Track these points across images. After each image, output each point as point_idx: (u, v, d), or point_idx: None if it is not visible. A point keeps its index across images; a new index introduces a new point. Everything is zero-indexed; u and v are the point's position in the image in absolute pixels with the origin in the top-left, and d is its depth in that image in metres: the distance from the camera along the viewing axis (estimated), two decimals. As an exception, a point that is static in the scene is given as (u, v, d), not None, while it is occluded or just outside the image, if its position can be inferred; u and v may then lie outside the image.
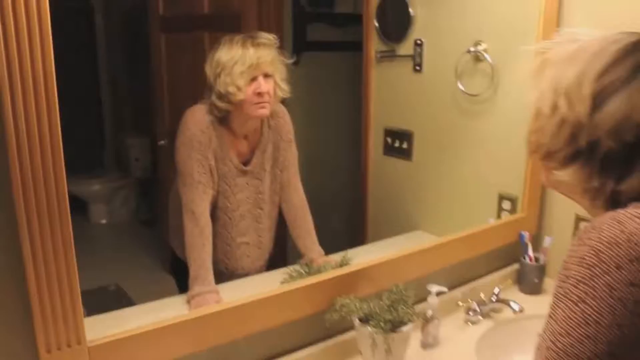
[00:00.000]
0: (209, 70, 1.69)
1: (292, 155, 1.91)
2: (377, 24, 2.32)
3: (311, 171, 3.36)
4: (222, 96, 1.68)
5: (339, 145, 3.43)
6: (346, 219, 3.41)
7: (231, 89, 1.65)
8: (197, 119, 1.70)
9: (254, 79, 1.66)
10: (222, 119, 1.74)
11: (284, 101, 2.88)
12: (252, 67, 1.64)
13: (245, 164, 1.82)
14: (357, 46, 2.50)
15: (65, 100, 1.04)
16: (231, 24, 2.77)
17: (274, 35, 1.70)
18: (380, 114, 2.40)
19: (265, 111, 1.70)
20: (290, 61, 1.77)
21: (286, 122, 1.88)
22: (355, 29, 2.65)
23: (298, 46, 3.15)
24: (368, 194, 2.48)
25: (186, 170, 1.70)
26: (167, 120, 3.38)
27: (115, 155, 5.32)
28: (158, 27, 3.31)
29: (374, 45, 2.34)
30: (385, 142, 2.39)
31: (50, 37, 0.99)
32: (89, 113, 5.15)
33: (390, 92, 2.37)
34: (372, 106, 2.41)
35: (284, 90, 1.76)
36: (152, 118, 3.61)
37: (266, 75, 1.68)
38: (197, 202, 1.70)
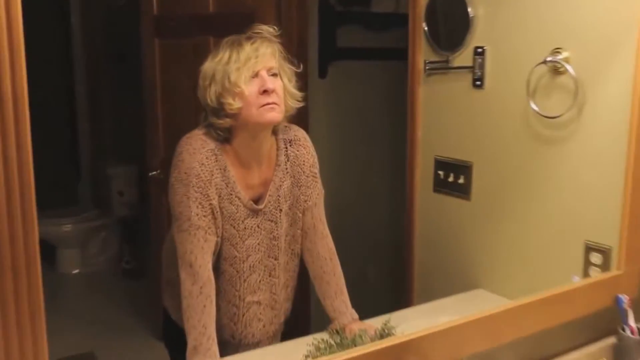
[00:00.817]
0: (199, 90, 1.78)
1: (316, 194, 1.94)
2: (426, 28, 2.33)
3: (342, 212, 3.43)
4: (217, 110, 1.74)
5: (377, 178, 3.52)
6: (387, 273, 3.45)
7: (226, 89, 1.70)
8: (194, 148, 1.74)
9: (255, 76, 1.72)
10: (226, 145, 1.79)
11: (306, 125, 2.93)
12: (251, 61, 1.70)
13: (257, 201, 1.85)
14: (400, 54, 2.50)
15: (31, 118, 1.04)
16: (241, 26, 2.80)
17: (274, 27, 1.78)
18: (430, 141, 2.40)
19: (276, 115, 1.74)
20: (298, 69, 1.83)
21: (308, 151, 1.93)
22: (398, 33, 2.65)
23: (326, 54, 3.18)
24: (414, 241, 2.49)
25: (182, 213, 1.73)
26: (161, 145, 3.41)
27: (93, 188, 5.37)
28: (151, 31, 3.36)
29: (423, 54, 2.35)
30: (437, 175, 2.39)
31: (23, 49, 1.00)
32: (60, 134, 5.22)
33: (443, 112, 2.36)
34: (420, 130, 2.42)
35: (295, 95, 1.82)
36: (142, 142, 3.65)
37: (271, 72, 1.74)
38: (197, 252, 1.72)
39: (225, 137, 1.78)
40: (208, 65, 1.74)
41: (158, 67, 3.37)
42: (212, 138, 1.77)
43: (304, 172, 1.90)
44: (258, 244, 1.86)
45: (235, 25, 1.85)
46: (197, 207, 1.72)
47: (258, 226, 1.85)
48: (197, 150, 1.74)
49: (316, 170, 1.94)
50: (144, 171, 3.90)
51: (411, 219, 2.51)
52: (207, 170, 1.74)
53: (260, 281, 1.90)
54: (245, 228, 1.83)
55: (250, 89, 1.70)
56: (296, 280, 2.01)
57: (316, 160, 1.95)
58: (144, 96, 3.49)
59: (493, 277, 2.25)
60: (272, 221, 1.86)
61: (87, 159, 5.40)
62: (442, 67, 2.31)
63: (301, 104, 1.83)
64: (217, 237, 1.78)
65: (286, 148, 1.88)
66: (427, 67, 2.36)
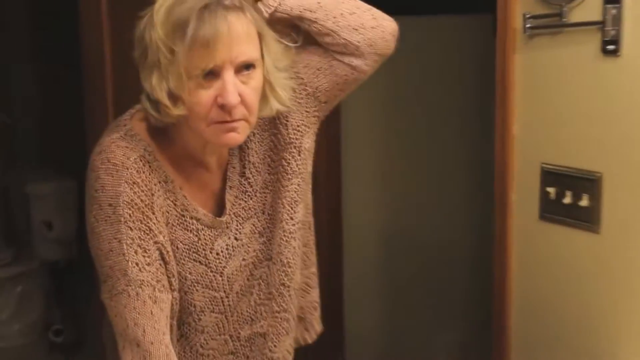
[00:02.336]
0: (136, 49, 1.75)
1: (303, 174, 1.98)
2: None
3: (389, 244, 3.60)
4: (152, 102, 1.74)
5: (443, 199, 3.63)
6: (468, 332, 3.57)
7: (161, 93, 1.69)
8: (115, 164, 1.76)
9: (211, 76, 1.68)
10: (162, 137, 1.81)
11: (338, 117, 2.95)
12: (206, 49, 1.65)
13: (220, 208, 1.90)
14: (482, 4, 2.53)
15: None
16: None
17: None
18: (533, 139, 2.42)
19: (237, 136, 1.74)
20: (295, 44, 1.86)
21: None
22: None
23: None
24: (509, 292, 2.52)
25: (114, 268, 1.74)
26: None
27: (2, 216, 5.33)
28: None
29: (521, 4, 2.37)
30: (544, 194, 2.40)
31: None
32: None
33: (554, 95, 2.34)
34: (517, 121, 2.44)
35: (284, 89, 1.81)
36: (83, 142, 3.61)
37: (242, 65, 1.70)
38: (144, 322, 1.73)
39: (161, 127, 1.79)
40: (152, 20, 1.69)
41: (106, 23, 3.36)
42: (139, 134, 1.78)
43: (285, 140, 1.93)
44: (242, 260, 1.92)
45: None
46: (136, 252, 1.73)
47: (235, 239, 1.90)
48: (121, 165, 1.74)
49: (307, 138, 1.97)
50: (84, 189, 3.86)
51: (503, 263, 2.51)
52: (143, 191, 1.75)
53: (256, 303, 1.97)
54: (217, 255, 1.87)
55: (199, 95, 1.67)
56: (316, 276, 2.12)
57: (308, 121, 1.97)
58: (84, 72, 3.48)
59: (637, 348, 2.21)
60: (248, 218, 1.93)
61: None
62: (552, 24, 2.30)
63: (286, 106, 1.83)
64: (174, 290, 1.80)
65: None
66: (527, 25, 2.34)
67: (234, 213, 1.89)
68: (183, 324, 1.86)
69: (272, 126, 1.91)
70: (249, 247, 1.92)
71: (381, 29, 1.92)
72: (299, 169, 1.93)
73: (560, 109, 2.35)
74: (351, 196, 3.41)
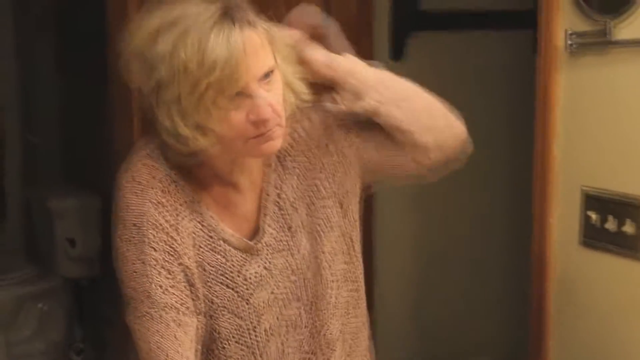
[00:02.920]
0: (137, 72, 1.73)
1: (348, 183, 1.95)
2: None
3: (424, 262, 3.55)
4: (176, 136, 1.71)
5: (478, 220, 3.62)
6: (503, 355, 3.57)
7: (186, 128, 1.67)
8: (140, 182, 1.77)
9: (238, 97, 1.67)
10: (191, 159, 1.79)
11: None
12: (231, 70, 1.63)
13: (253, 234, 1.87)
14: (522, 20, 2.51)
15: None
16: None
17: None
18: (575, 162, 2.41)
19: (274, 143, 1.74)
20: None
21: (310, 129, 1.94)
22: None
23: (403, 21, 3.24)
24: (546, 319, 2.50)
25: (138, 289, 1.75)
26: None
27: (25, 233, 5.35)
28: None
29: (563, 19, 2.35)
30: (586, 219, 2.38)
31: None
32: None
33: (599, 115, 2.32)
34: (557, 142, 2.43)
35: (300, 90, 1.81)
36: (108, 159, 3.62)
37: (263, 77, 1.69)
38: (168, 346, 1.74)
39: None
40: (160, 44, 1.65)
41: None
42: (167, 153, 1.76)
43: (322, 144, 1.91)
44: (271, 293, 1.88)
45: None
46: (160, 274, 1.73)
47: (265, 268, 1.86)
48: (146, 184, 1.75)
49: (345, 138, 1.94)
50: (110, 205, 3.84)
51: (540, 289, 2.49)
52: (168, 212, 1.75)
53: (284, 347, 1.91)
54: (245, 281, 1.84)
55: (231, 118, 1.66)
56: (367, 321, 2.04)
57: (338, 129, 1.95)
58: (110, 88, 3.47)
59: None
60: (281, 251, 1.89)
61: (15, 186, 5.43)
62: (596, 42, 2.28)
63: (306, 97, 1.81)
64: (199, 314, 1.79)
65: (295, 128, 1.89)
66: (570, 42, 2.32)
67: (265, 241, 1.86)
68: (208, 351, 1.84)
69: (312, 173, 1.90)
70: (279, 282, 1.89)
71: (452, 131, 2.00)
72: (338, 221, 1.92)
73: (604, 130, 2.32)
74: (384, 214, 3.41)
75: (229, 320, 1.83)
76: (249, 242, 1.84)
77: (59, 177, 5.27)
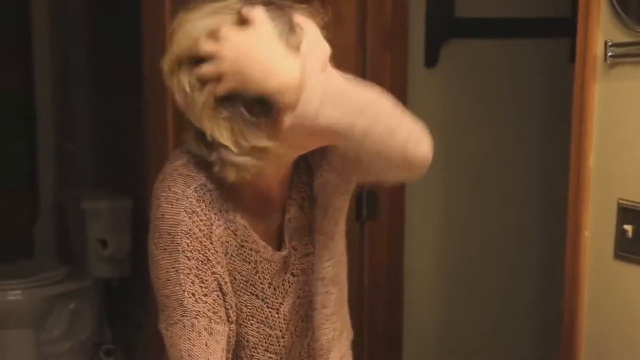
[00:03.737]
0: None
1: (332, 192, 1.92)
2: None
3: (454, 275, 3.54)
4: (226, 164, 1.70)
5: (512, 229, 3.59)
6: None
7: (261, 140, 1.66)
8: (176, 192, 1.78)
9: None
10: None
11: None
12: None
13: (280, 242, 1.90)
14: (560, 29, 2.44)
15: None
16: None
17: None
18: (611, 174, 2.38)
19: None
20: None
21: None
22: None
23: (437, 28, 3.21)
24: (579, 336, 2.48)
25: (171, 297, 1.76)
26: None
27: (58, 233, 5.37)
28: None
29: (602, 29, 2.32)
30: (621, 232, 2.34)
31: None
32: (7, 150, 5.24)
33: (635, 127, 2.30)
34: (593, 154, 2.40)
35: None
36: (141, 161, 3.63)
37: None
38: (199, 354, 1.75)
39: None
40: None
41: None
42: (202, 163, 1.77)
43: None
44: (298, 297, 1.93)
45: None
46: (193, 283, 1.74)
47: (292, 274, 1.90)
48: (181, 193, 1.76)
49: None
50: (141, 208, 3.85)
51: (573, 304, 2.46)
52: (202, 221, 1.76)
53: (309, 347, 1.99)
54: (275, 291, 1.88)
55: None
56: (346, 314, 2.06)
57: None
58: (145, 93, 3.46)
59: None
60: (307, 255, 1.92)
61: (49, 187, 5.43)
62: (637, 53, 2.25)
63: None
64: (231, 323, 1.81)
65: None
66: (609, 53, 2.29)
67: (292, 247, 1.88)
68: (236, 358, 1.86)
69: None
70: (305, 285, 1.92)
71: (412, 157, 1.71)
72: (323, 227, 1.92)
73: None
74: (414, 229, 3.40)
75: (257, 329, 1.87)
76: (280, 253, 1.86)
77: (92, 178, 5.28)
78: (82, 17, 5.22)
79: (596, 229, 2.40)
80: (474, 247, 3.49)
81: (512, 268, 3.58)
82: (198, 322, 1.73)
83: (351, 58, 3.00)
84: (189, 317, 1.73)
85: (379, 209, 3.11)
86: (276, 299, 1.87)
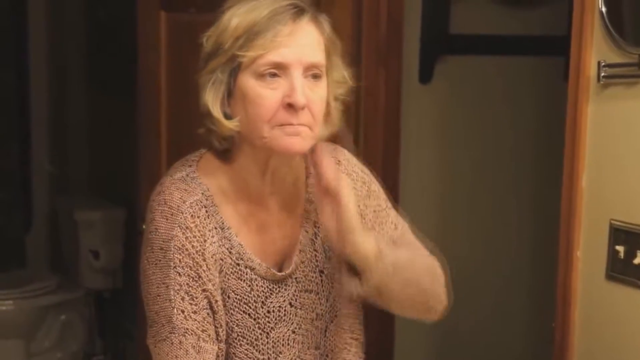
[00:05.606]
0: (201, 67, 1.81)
1: (388, 225, 2.02)
2: (603, 8, 2.26)
3: (451, 299, 3.52)
4: (206, 116, 1.79)
5: (504, 248, 3.59)
6: None
7: (215, 107, 1.75)
8: (171, 207, 1.78)
9: (278, 77, 1.72)
10: (222, 181, 1.84)
11: (397, 155, 2.96)
12: (277, 40, 1.69)
13: (281, 266, 1.89)
14: (553, 48, 2.52)
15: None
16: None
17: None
18: (604, 194, 2.36)
19: (300, 141, 1.74)
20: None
21: (358, 176, 1.99)
22: (551, 11, 2.71)
23: (432, 44, 3.22)
24: (571, 357, 2.46)
25: (160, 313, 1.76)
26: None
27: (50, 243, 5.35)
28: (156, 2, 3.35)
29: (595, 49, 2.31)
30: (613, 253, 2.32)
31: None
32: (2, 159, 5.24)
33: (628, 147, 2.29)
34: (586, 174, 2.39)
35: (334, 120, 1.85)
36: (134, 172, 3.63)
37: (310, 72, 1.74)
38: None
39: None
40: (225, 24, 1.75)
41: (164, 55, 3.36)
42: (200, 177, 1.81)
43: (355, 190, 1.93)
44: (292, 332, 1.89)
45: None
46: (183, 299, 1.74)
47: (290, 304, 1.88)
48: (176, 208, 1.76)
49: (375, 187, 2.01)
50: (134, 219, 3.85)
51: (565, 324, 2.45)
52: (195, 237, 1.76)
53: None
54: (268, 313, 1.85)
55: (265, 95, 1.70)
56: (361, 338, 2.06)
57: (374, 187, 2.01)
58: (138, 102, 3.46)
59: None
60: (309, 291, 1.90)
61: (42, 197, 5.42)
62: (628, 74, 2.24)
63: (336, 128, 1.85)
64: (220, 341, 1.79)
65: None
66: (602, 73, 2.28)
67: (296, 277, 1.87)
68: None
69: None
70: (302, 322, 1.90)
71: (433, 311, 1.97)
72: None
73: (634, 163, 2.27)
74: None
75: (246, 352, 1.84)
76: (277, 272, 1.85)
77: (88, 189, 5.27)
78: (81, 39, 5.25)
79: (588, 250, 2.39)
80: (467, 265, 3.47)
81: (504, 287, 3.58)
82: (186, 339, 1.72)
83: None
84: (177, 335, 1.72)
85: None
86: (268, 321, 1.85)
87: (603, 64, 2.27)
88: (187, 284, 1.73)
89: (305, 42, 1.71)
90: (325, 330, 1.93)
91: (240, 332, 1.82)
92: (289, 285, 1.86)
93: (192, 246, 1.74)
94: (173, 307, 1.73)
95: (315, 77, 1.72)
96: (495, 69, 3.37)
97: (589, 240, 2.39)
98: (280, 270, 1.85)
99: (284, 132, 1.69)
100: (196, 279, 1.74)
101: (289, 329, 1.87)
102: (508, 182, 3.49)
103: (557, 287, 2.48)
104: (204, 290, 1.75)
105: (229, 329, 1.81)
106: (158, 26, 3.39)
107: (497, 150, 3.46)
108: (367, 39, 2.99)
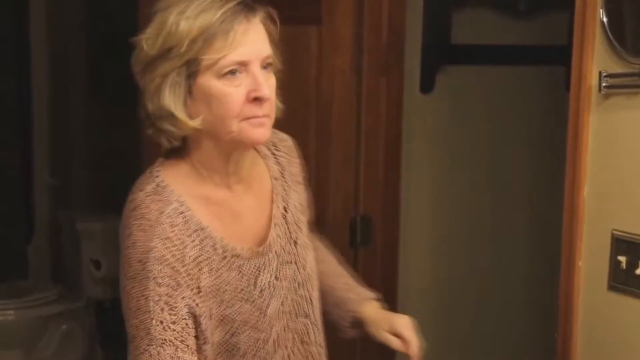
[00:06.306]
0: (138, 69, 1.87)
1: (306, 204, 2.11)
2: (604, 17, 2.26)
3: (452, 299, 3.55)
4: (164, 118, 1.83)
5: (509, 255, 3.59)
6: None
7: (178, 107, 1.79)
8: (149, 219, 1.79)
9: (239, 74, 1.76)
10: (187, 181, 1.87)
11: (397, 164, 2.97)
12: (236, 44, 1.74)
13: (262, 242, 1.94)
14: (555, 58, 2.51)
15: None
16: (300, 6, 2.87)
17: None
18: (605, 205, 2.35)
19: (265, 132, 1.83)
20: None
21: (293, 149, 2.11)
22: (553, 21, 2.71)
23: (433, 54, 3.23)
24: None
25: (139, 326, 1.77)
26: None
27: (52, 253, 5.35)
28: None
29: (596, 59, 2.31)
30: (615, 263, 2.32)
31: None
32: (2, 169, 5.23)
33: (630, 157, 2.28)
34: (588, 184, 2.38)
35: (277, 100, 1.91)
36: (135, 182, 3.62)
37: (265, 63, 1.81)
38: None
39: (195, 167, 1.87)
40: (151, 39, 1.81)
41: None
42: (170, 185, 1.83)
43: (292, 179, 2.06)
44: (281, 304, 1.94)
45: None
46: (162, 310, 1.74)
47: (276, 278, 1.93)
48: (155, 220, 1.77)
49: (303, 176, 2.11)
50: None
51: (567, 335, 2.44)
52: (175, 246, 1.77)
53: (289, 357, 1.98)
54: (261, 292, 1.90)
55: (231, 93, 1.75)
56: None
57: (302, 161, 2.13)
58: (140, 113, 3.46)
59: None
60: (289, 262, 1.97)
61: (44, 208, 5.42)
62: (630, 84, 2.24)
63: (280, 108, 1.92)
64: (205, 347, 1.81)
65: (274, 154, 2.03)
66: (604, 83, 2.28)
67: (275, 251, 1.93)
68: None
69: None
70: (287, 293, 1.95)
71: None
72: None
73: (636, 173, 2.27)
74: (408, 256, 3.39)
75: (248, 335, 1.87)
76: (258, 248, 1.90)
77: (90, 199, 5.27)
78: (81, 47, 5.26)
79: (590, 260, 2.38)
80: (467, 276, 3.48)
81: (505, 297, 3.57)
82: (164, 350, 1.73)
83: (347, 83, 3.01)
84: (154, 346, 1.73)
85: (373, 235, 3.10)
86: (263, 301, 1.88)
87: (604, 74, 2.26)
88: (167, 294, 1.74)
89: (258, 38, 1.77)
90: (311, 299, 2.00)
91: (242, 319, 1.85)
92: (271, 260, 1.91)
93: (172, 255, 1.75)
94: (152, 319, 1.73)
95: (267, 67, 1.79)
96: (497, 78, 3.37)
97: (591, 251, 2.38)
98: (260, 245, 1.91)
99: (251, 124, 1.76)
100: (175, 287, 1.75)
101: (278, 302, 1.92)
102: (509, 191, 3.48)
103: (559, 298, 2.47)
104: (183, 297, 1.76)
105: (231, 320, 1.83)
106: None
107: (499, 159, 3.46)
108: (369, 49, 2.99)
